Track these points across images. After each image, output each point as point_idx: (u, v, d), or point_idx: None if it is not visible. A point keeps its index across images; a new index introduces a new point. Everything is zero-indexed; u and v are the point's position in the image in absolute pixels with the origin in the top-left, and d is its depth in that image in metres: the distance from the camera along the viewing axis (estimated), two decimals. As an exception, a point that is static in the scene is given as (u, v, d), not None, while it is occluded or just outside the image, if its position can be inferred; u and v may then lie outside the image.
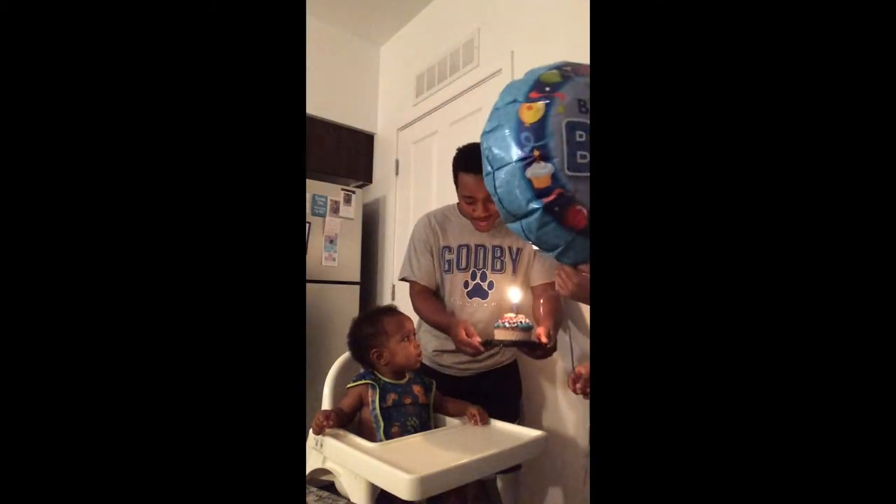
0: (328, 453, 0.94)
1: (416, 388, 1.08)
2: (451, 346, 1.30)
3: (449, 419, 1.11)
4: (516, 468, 1.33)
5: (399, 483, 0.73)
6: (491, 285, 1.32)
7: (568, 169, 0.77)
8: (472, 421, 1.07)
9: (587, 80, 0.88)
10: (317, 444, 0.97)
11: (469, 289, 1.32)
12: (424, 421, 1.06)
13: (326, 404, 1.10)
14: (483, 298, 1.31)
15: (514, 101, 0.81)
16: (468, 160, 1.23)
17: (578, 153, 0.79)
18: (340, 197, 2.30)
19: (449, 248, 1.35)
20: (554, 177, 0.76)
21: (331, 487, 1.00)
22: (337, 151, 2.56)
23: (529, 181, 0.76)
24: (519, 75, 2.06)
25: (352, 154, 2.62)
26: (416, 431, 1.02)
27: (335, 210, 2.28)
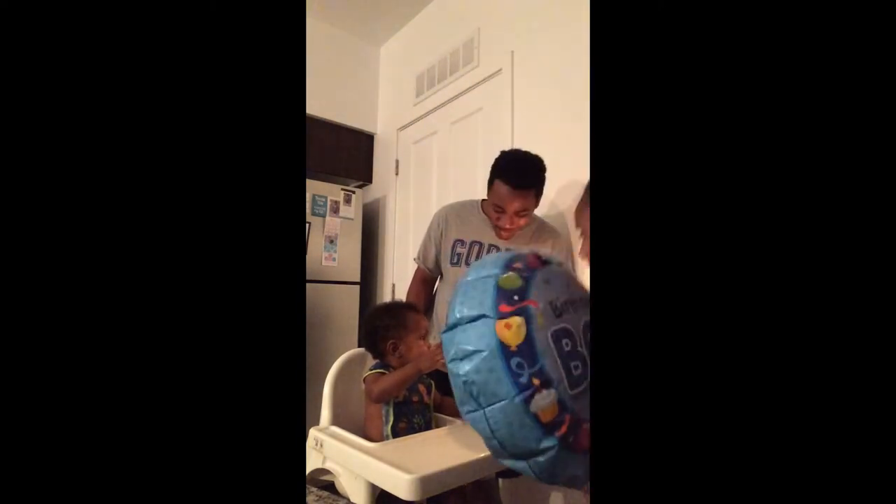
0: (328, 453, 0.94)
1: (421, 387, 1.09)
2: None
3: (449, 419, 1.11)
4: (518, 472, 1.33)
5: (399, 483, 0.73)
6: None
7: (570, 388, 0.65)
8: None
9: (549, 269, 0.78)
10: (317, 444, 0.97)
11: None
12: (428, 420, 1.07)
13: (326, 404, 1.10)
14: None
15: (483, 316, 0.67)
16: (509, 168, 1.20)
17: (572, 365, 0.67)
18: (340, 197, 2.30)
19: (462, 242, 1.35)
20: (560, 403, 0.63)
21: (331, 487, 1.00)
22: (337, 151, 2.56)
23: (535, 416, 0.62)
24: (519, 75, 2.06)
25: (352, 154, 2.63)
26: (420, 430, 1.02)
27: (335, 210, 2.28)
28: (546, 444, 0.63)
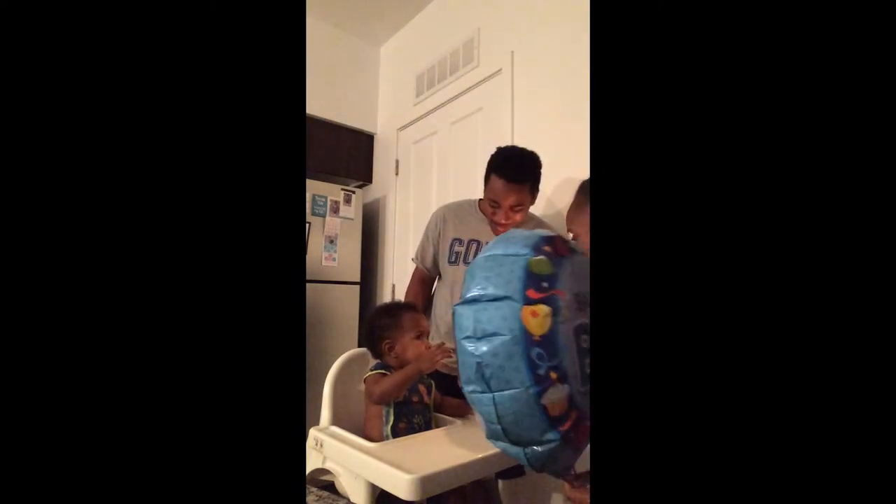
0: (328, 453, 0.94)
1: (422, 388, 1.09)
2: (448, 344, 1.31)
3: (449, 419, 1.11)
4: (519, 473, 1.32)
5: (399, 483, 0.73)
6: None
7: (580, 384, 0.63)
8: None
9: (576, 259, 0.73)
10: (317, 445, 0.97)
11: None
12: (428, 420, 1.07)
13: (326, 404, 1.10)
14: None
15: (509, 298, 0.63)
16: (504, 163, 1.22)
17: (586, 361, 0.65)
18: (340, 197, 2.30)
19: (459, 241, 1.36)
20: (570, 399, 0.62)
21: (331, 487, 1.00)
22: (337, 151, 2.56)
23: (544, 408, 0.60)
24: (519, 75, 2.05)
25: (352, 154, 2.63)
26: (420, 430, 1.02)
27: (335, 210, 2.28)
28: (549, 436, 0.61)
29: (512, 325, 0.61)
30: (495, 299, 0.64)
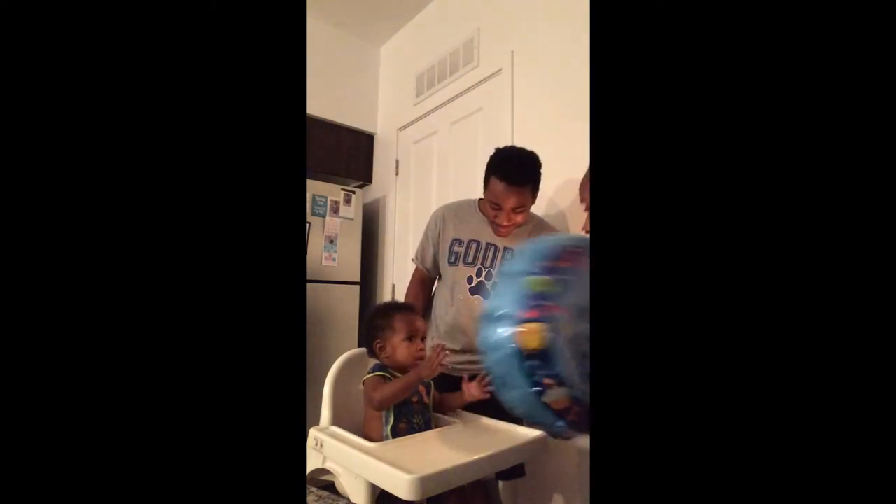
0: (328, 453, 0.94)
1: (421, 388, 1.09)
2: (448, 345, 1.31)
3: (449, 419, 1.11)
4: (520, 474, 1.32)
5: (399, 483, 0.73)
6: (495, 286, 1.31)
7: (581, 382, 0.72)
8: (468, 393, 1.07)
9: (583, 273, 0.74)
10: (317, 445, 0.97)
11: (472, 285, 1.32)
12: (427, 420, 1.07)
13: (326, 404, 1.10)
14: (485, 297, 1.31)
15: (509, 316, 0.73)
16: (504, 165, 1.21)
17: (586, 363, 0.71)
18: (340, 197, 2.30)
19: (459, 241, 1.35)
20: (573, 396, 0.71)
21: (331, 487, 1.00)
22: (337, 151, 2.56)
23: (547, 405, 0.71)
24: (519, 75, 2.05)
25: (352, 154, 2.63)
26: (420, 430, 1.02)
27: (335, 210, 2.28)
28: (558, 424, 0.73)
29: (506, 342, 0.72)
30: (501, 317, 0.74)
